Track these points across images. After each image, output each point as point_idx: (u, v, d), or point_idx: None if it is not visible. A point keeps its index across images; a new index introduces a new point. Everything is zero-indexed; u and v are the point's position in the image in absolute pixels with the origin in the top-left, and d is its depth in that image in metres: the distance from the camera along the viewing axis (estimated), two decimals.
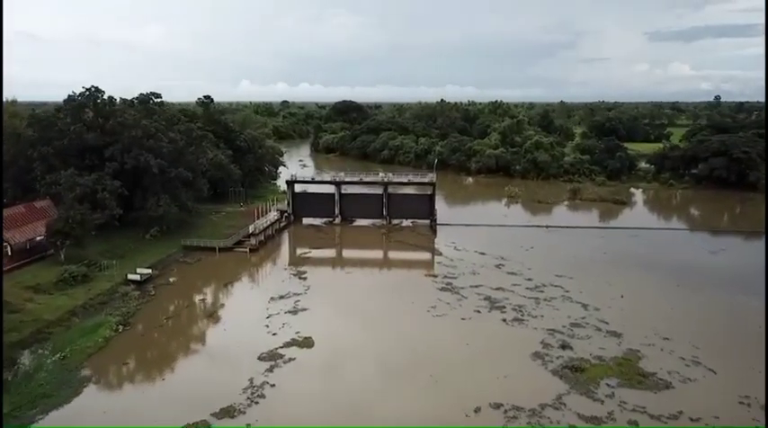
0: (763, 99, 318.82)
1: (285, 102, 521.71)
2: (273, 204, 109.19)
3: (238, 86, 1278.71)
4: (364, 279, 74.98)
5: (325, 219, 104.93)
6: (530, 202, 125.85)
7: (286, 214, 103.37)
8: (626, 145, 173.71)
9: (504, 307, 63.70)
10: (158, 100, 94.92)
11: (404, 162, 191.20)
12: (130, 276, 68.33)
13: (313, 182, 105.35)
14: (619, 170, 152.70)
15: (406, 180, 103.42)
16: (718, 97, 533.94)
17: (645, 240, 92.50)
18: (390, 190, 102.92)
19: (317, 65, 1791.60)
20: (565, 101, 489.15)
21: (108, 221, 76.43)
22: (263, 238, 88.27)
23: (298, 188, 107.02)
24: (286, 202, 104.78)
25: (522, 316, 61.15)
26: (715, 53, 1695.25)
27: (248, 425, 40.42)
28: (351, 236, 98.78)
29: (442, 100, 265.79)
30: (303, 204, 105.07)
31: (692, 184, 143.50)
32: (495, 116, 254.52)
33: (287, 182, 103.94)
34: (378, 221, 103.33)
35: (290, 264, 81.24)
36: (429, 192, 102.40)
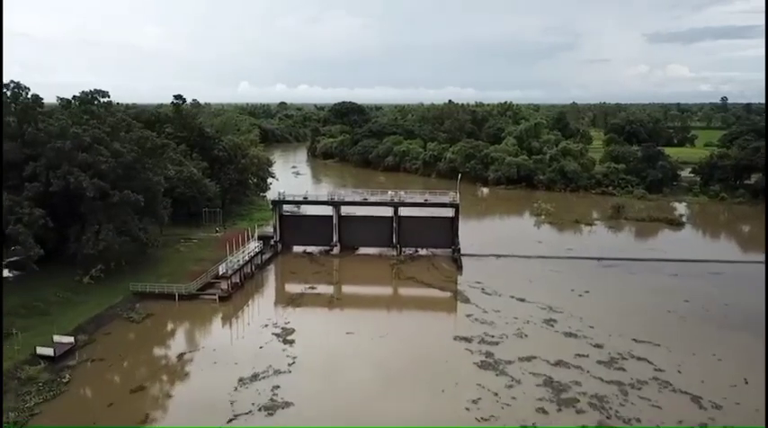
0: (763, 100, 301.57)
1: (283, 104, 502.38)
2: (258, 228, 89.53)
3: (238, 88, 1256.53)
4: (371, 344, 54.69)
5: (320, 247, 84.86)
6: (565, 222, 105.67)
7: (272, 242, 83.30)
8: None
9: (577, 400, 43.64)
10: (105, 99, 74.32)
11: (410, 170, 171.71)
12: (41, 350, 48.17)
13: (305, 202, 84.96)
14: (660, 181, 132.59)
15: (421, 200, 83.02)
16: (724, 98, 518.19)
17: (733, 279, 72.25)
18: (402, 211, 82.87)
19: (316, 66, 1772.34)
20: (563, 102, 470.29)
21: (25, 263, 56.28)
22: (238, 280, 68.08)
23: (287, 207, 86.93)
24: (272, 226, 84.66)
25: (608, 418, 41.14)
26: (714, 55, 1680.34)
27: None
28: (352, 271, 78.64)
29: (450, 101, 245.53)
30: (293, 229, 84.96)
31: (748, 198, 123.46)
32: (504, 118, 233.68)
33: (272, 202, 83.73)
34: (386, 250, 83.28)
35: (272, 317, 60.98)
36: (450, 215, 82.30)
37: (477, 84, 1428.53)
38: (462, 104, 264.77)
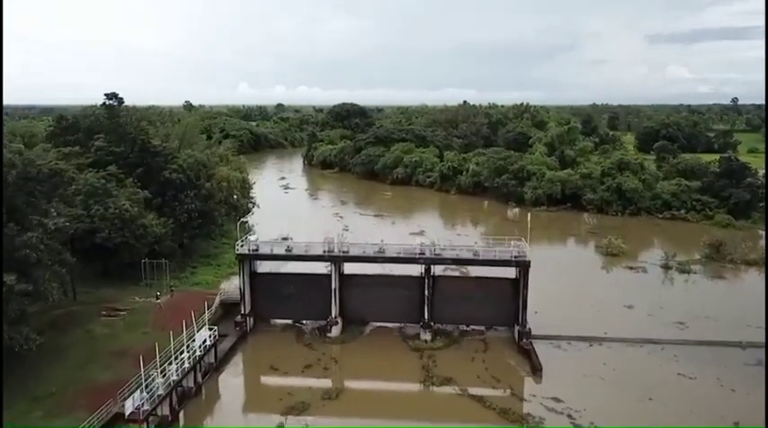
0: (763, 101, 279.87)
1: (280, 105, 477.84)
2: (225, 283, 62.64)
3: (237, 89, 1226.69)
4: None
5: (312, 323, 56.87)
6: (648, 265, 77.66)
7: (239, 316, 55.15)
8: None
9: None
10: None
11: (424, 184, 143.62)
12: None
13: (289, 257, 56.12)
14: (748, 203, 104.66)
15: (468, 254, 54.18)
16: (735, 99, 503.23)
17: None
18: (435, 269, 54.75)
19: (316, 68, 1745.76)
20: (561, 104, 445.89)
21: None
22: (168, 409, 39.70)
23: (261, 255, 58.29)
24: (238, 290, 56.33)
25: None
26: (714, 56, 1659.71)
27: None
28: (360, 368, 50.16)
29: (465, 101, 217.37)
30: (271, 294, 56.48)
31: None
32: (522, 121, 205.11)
33: (239, 256, 54.91)
34: (411, 327, 55.29)
35: None
36: (512, 276, 54.18)
37: (476, 85, 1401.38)
38: (474, 106, 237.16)
